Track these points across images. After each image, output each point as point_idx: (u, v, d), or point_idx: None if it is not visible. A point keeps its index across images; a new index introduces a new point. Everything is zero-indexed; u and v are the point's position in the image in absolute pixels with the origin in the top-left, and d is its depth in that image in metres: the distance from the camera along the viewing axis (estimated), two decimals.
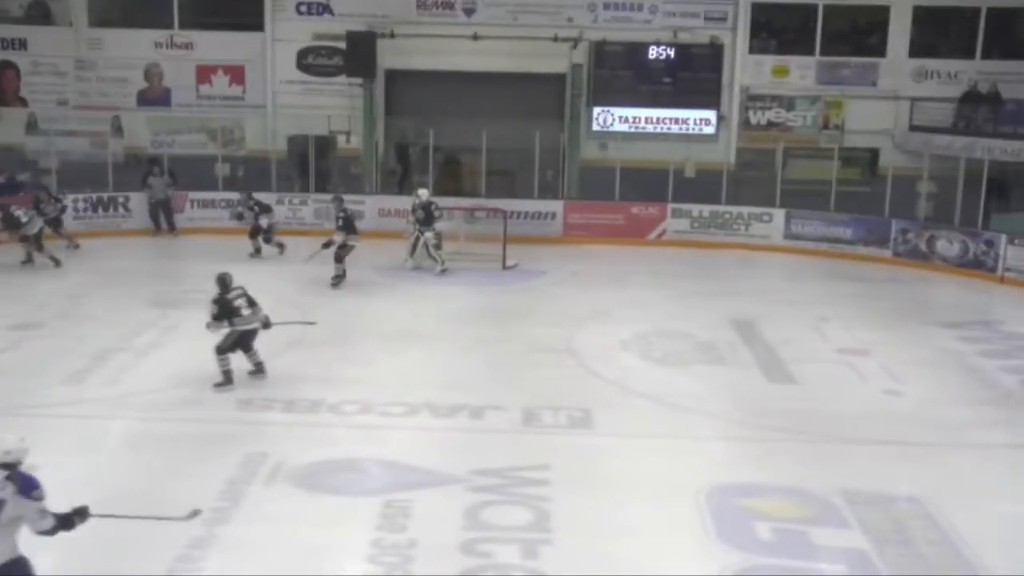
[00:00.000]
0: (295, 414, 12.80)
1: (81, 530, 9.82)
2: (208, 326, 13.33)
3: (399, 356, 15.07)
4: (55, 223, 21.07)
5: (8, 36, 26.37)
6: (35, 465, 10.92)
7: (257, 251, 20.96)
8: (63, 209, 21.68)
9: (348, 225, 18.72)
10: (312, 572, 9.27)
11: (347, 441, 12.03)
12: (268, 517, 10.23)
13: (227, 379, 13.40)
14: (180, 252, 21.21)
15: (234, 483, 10.80)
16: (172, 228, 23.44)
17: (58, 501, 10.41)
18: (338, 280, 18.60)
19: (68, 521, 8.06)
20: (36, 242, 19.83)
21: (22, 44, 26.40)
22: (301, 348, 15.36)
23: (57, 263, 19.75)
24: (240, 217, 21.34)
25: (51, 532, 7.90)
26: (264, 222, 21.10)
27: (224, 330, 13.34)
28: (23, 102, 26.41)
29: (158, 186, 23.44)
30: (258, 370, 13.78)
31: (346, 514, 10.29)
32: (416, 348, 15.45)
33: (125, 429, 12.37)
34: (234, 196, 23.46)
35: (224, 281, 13.46)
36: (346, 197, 22.97)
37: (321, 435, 12.21)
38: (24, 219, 19.74)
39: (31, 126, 26.04)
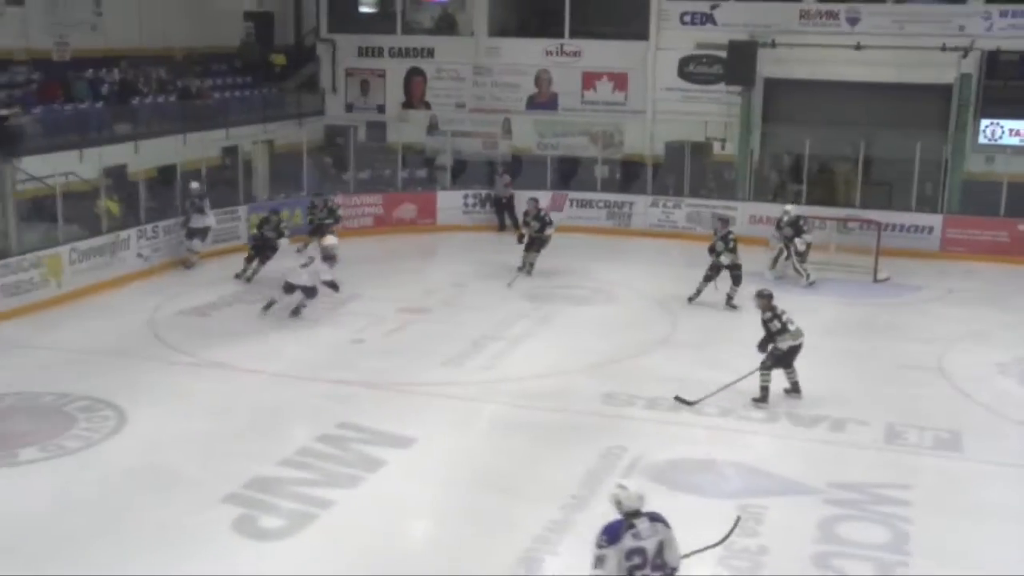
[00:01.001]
0: (656, 411, 12.79)
1: (455, 504, 10.37)
2: (761, 368, 12.93)
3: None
4: (319, 229, 20.05)
5: (418, 45, 28.18)
6: (412, 438, 11.74)
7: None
8: (335, 219, 21.03)
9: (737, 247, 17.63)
10: None
11: (705, 442, 11.90)
12: None
13: (764, 397, 12.88)
14: (555, 249, 21.71)
15: (593, 473, 10.94)
16: (516, 225, 23.45)
17: (433, 473, 11.05)
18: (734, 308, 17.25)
19: None
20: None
21: (430, 52, 28.11)
22: (665, 348, 15.42)
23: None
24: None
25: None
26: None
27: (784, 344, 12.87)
28: (427, 105, 28.11)
29: (499, 184, 24.14)
30: (794, 389, 13.11)
31: (700, 514, 10.08)
32: None
33: (495, 413, 12.87)
34: (610, 197, 23.86)
35: (768, 297, 13.09)
36: (717, 203, 22.93)
37: (680, 434, 12.14)
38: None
39: (432, 127, 27.61)
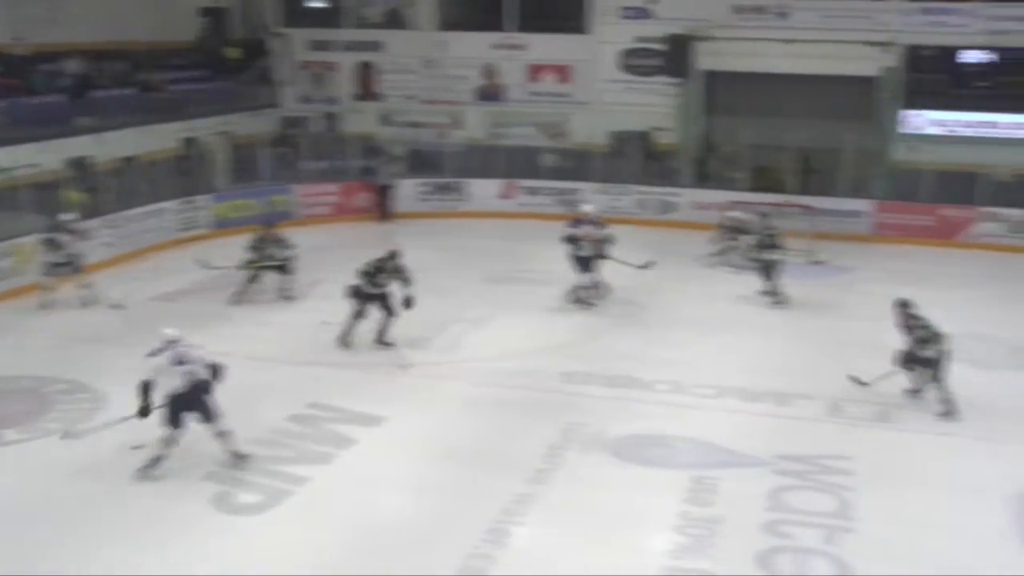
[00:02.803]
0: (612, 388, 12.96)
1: (425, 478, 10.37)
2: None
3: (711, 341, 14.95)
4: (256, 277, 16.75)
5: (369, 39, 28.03)
6: (381, 417, 11.76)
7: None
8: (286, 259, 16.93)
9: (776, 242, 16.90)
10: (622, 535, 9.41)
11: (659, 417, 12.07)
12: (584, 481, 10.47)
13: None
14: (510, 234, 21.77)
15: (555, 448, 11.11)
16: (388, 214, 23.43)
17: (402, 449, 11.09)
18: (781, 299, 16.77)
19: None
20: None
21: (380, 46, 27.96)
22: (620, 328, 15.57)
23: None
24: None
25: None
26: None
27: None
28: (379, 96, 27.98)
29: (383, 172, 23.73)
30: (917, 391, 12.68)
31: (656, 485, 10.37)
32: (728, 334, 15.28)
33: (460, 392, 12.94)
34: (559, 185, 23.87)
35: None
36: (662, 190, 23.07)
37: (636, 410, 12.32)
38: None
39: (384, 118, 27.52)
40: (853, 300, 17.32)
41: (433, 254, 19.80)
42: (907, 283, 18.19)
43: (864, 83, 23.83)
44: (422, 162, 25.31)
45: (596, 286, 16.54)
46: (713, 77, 24.93)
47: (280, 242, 16.79)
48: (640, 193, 23.44)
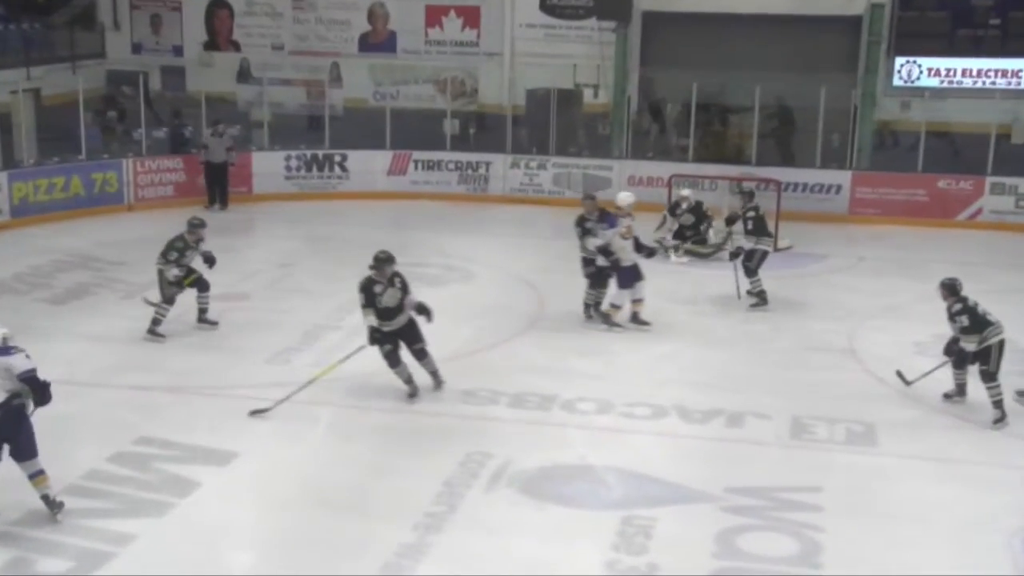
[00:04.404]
0: (523, 410, 13.08)
1: (288, 530, 10.42)
2: None
3: (645, 349, 15.17)
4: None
5: None
6: (232, 452, 11.72)
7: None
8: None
9: (759, 228, 17.21)
10: None
11: (582, 444, 12.19)
12: (488, 527, 10.51)
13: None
14: (403, 220, 21.83)
15: (452, 485, 11.15)
16: (224, 202, 22.97)
17: (259, 493, 11.08)
18: (760, 299, 17.07)
19: None
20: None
21: None
22: (531, 334, 15.74)
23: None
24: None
25: None
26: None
27: None
28: (236, 46, 27.83)
29: (216, 147, 23.01)
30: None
31: (577, 529, 10.45)
32: (665, 340, 15.52)
33: (333, 417, 12.95)
34: (463, 157, 23.97)
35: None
36: (591, 162, 23.32)
37: (552, 436, 12.43)
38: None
39: (243, 73, 27.42)
40: (823, 295, 17.73)
41: (300, 246, 19.87)
42: (892, 273, 18.82)
43: (844, 24, 24.35)
44: (290, 130, 25.26)
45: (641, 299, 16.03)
46: (655, 20, 25.19)
47: (202, 245, 15.78)
48: (563, 166, 23.69)
